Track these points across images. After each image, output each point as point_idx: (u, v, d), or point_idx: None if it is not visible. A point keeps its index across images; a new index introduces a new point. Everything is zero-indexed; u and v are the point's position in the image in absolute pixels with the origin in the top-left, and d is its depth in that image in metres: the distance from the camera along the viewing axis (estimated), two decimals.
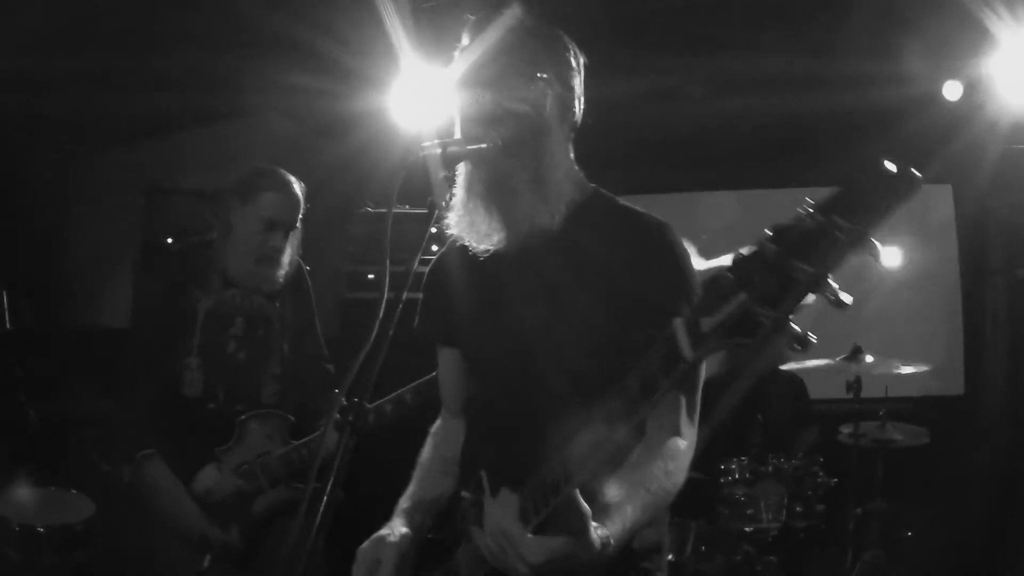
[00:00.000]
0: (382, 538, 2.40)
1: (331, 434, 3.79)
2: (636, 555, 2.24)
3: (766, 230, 1.42)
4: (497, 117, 2.22)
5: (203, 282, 3.94)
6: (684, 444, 2.23)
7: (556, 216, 2.28)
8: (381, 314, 1.87)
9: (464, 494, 2.26)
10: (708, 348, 1.53)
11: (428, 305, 2.61)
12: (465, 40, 2.32)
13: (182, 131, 6.36)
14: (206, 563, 3.76)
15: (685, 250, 2.30)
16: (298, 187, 3.99)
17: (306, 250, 4.20)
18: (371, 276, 5.94)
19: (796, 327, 1.42)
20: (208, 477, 3.81)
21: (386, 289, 1.89)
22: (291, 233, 4.01)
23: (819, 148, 7.13)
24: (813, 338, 1.42)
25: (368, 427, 3.86)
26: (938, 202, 7.56)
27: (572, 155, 2.39)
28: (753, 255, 1.43)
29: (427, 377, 3.84)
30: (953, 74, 6.30)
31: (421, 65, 6.09)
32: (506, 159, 2.23)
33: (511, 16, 2.28)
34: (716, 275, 1.47)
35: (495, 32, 2.26)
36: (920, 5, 5.60)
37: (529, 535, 1.90)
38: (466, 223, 2.29)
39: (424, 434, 2.73)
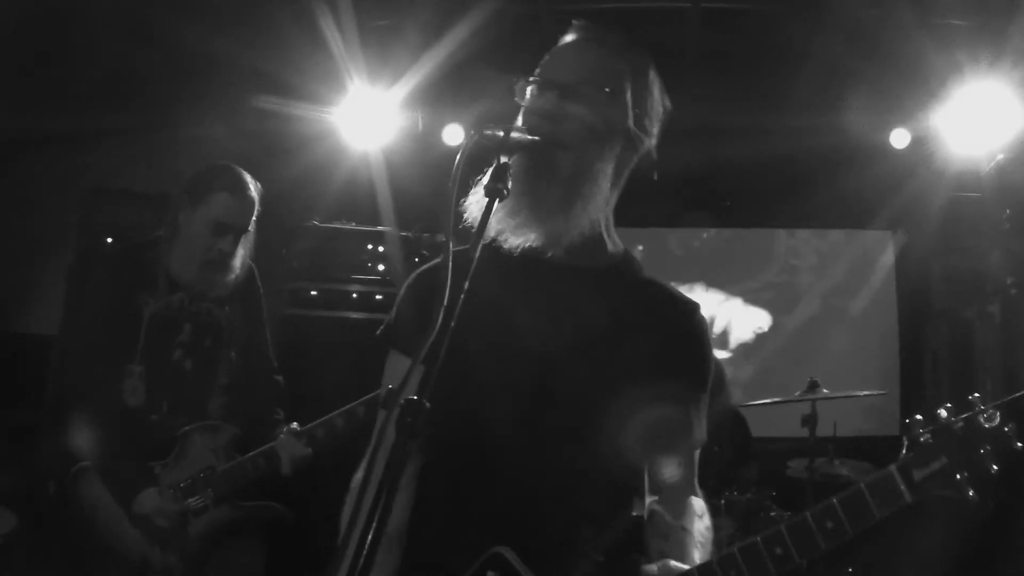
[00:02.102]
0: None
1: (292, 446, 3.71)
2: None
3: (957, 417, 1.88)
4: (556, 116, 2.16)
5: (149, 284, 3.73)
6: (702, 502, 2.33)
7: (579, 229, 2.20)
8: (444, 305, 1.72)
9: (492, 574, 2.05)
10: (920, 495, 1.85)
11: (409, 314, 2.38)
12: (568, 37, 2.31)
13: (124, 138, 6.21)
14: None
15: (710, 335, 2.37)
16: (253, 188, 3.82)
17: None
18: (314, 293, 5.84)
19: (972, 492, 1.83)
20: (148, 501, 3.60)
21: (448, 278, 1.73)
22: (243, 236, 3.83)
23: (768, 196, 7.26)
24: (977, 498, 1.84)
25: (323, 442, 3.79)
26: (879, 248, 7.71)
27: (613, 201, 2.33)
28: (945, 430, 1.86)
29: (377, 392, 3.74)
30: (901, 124, 6.44)
31: (367, 85, 6.08)
32: (551, 153, 2.14)
33: (614, 34, 2.28)
34: (919, 441, 1.87)
35: (586, 40, 2.26)
36: (869, 59, 5.69)
37: None
38: (502, 214, 2.17)
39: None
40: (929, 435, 1.87)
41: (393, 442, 1.62)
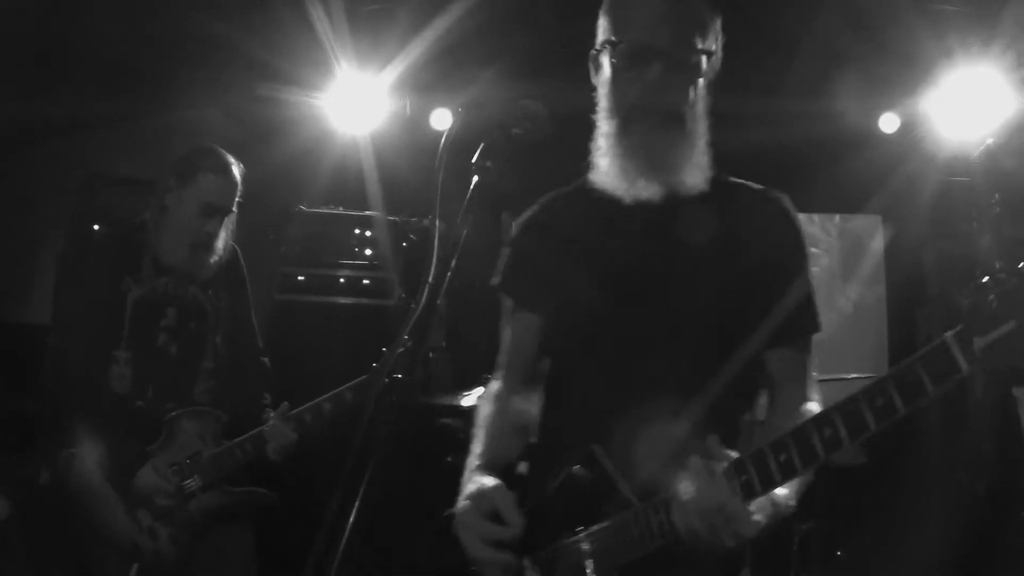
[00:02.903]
0: (482, 490, 2.28)
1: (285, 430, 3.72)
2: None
3: None
4: (667, 88, 2.25)
5: (134, 269, 3.74)
6: (816, 407, 2.33)
7: (700, 182, 2.34)
8: (430, 280, 1.73)
9: (578, 469, 2.19)
10: (980, 365, 1.66)
11: (518, 263, 2.57)
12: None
13: (116, 125, 6.18)
14: (133, 572, 3.54)
15: (798, 218, 2.45)
16: (237, 169, 3.85)
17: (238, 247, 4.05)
18: (302, 278, 5.83)
19: None
20: (148, 479, 3.62)
21: (435, 252, 1.75)
22: (227, 217, 3.86)
23: (758, 180, 7.25)
24: None
25: (310, 427, 3.81)
26: (870, 232, 7.71)
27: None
28: (1017, 290, 1.62)
29: (364, 377, 3.76)
30: (891, 109, 6.44)
31: (356, 70, 6.07)
32: (664, 124, 2.26)
33: None
34: (980, 301, 1.64)
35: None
36: (860, 44, 5.68)
37: (747, 509, 1.92)
38: (617, 168, 2.31)
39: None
40: (994, 297, 1.64)
41: (374, 417, 1.63)
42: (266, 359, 4.14)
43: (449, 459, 4.87)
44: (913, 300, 7.39)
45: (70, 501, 3.56)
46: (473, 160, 1.96)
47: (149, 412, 3.69)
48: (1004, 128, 6.07)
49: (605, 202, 2.34)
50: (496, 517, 2.22)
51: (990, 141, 6.15)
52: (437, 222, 1.78)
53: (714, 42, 2.36)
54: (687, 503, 1.94)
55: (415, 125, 6.52)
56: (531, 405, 2.54)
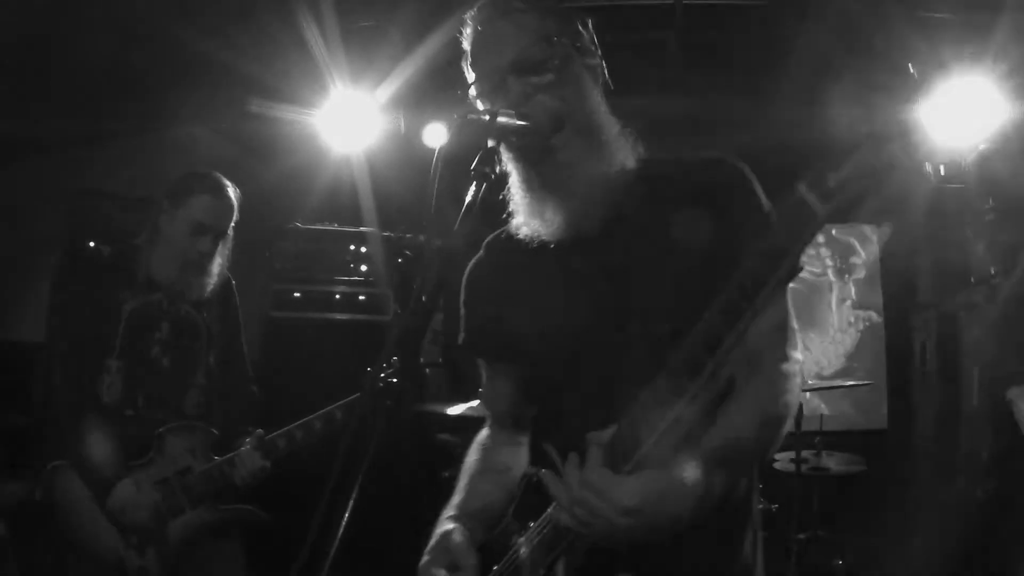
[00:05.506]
0: (442, 543, 2.20)
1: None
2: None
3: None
4: (528, 96, 2.11)
5: (129, 283, 3.76)
6: (790, 367, 2.13)
7: (616, 187, 2.18)
8: (424, 290, 1.70)
9: (531, 470, 2.15)
10: (839, 199, 1.52)
11: (473, 320, 2.48)
12: (469, 30, 2.22)
13: (109, 142, 6.18)
14: None
15: (750, 176, 2.25)
16: (232, 193, 3.87)
17: (232, 267, 4.05)
18: (297, 295, 5.83)
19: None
20: (124, 493, 3.57)
21: (430, 262, 1.71)
22: (221, 241, 3.87)
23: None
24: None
25: (297, 446, 3.80)
26: (865, 240, 7.72)
27: (614, 117, 2.27)
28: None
29: (354, 396, 3.74)
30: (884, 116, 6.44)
31: (350, 87, 6.07)
32: (555, 134, 2.12)
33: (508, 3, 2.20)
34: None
35: (498, 17, 2.17)
36: (850, 52, 5.70)
37: (618, 477, 1.82)
38: (527, 211, 2.19)
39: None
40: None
41: (370, 423, 1.60)
42: (255, 387, 4.15)
43: (446, 474, 4.88)
44: (909, 306, 7.40)
45: (55, 514, 3.55)
46: (472, 167, 1.91)
47: (139, 421, 3.68)
48: (997, 135, 6.08)
49: (531, 241, 2.23)
50: (456, 568, 2.14)
51: (983, 147, 6.17)
52: (432, 233, 1.75)
53: (571, 38, 2.23)
54: (564, 489, 1.89)
55: (409, 141, 6.52)
56: (520, 450, 2.44)
